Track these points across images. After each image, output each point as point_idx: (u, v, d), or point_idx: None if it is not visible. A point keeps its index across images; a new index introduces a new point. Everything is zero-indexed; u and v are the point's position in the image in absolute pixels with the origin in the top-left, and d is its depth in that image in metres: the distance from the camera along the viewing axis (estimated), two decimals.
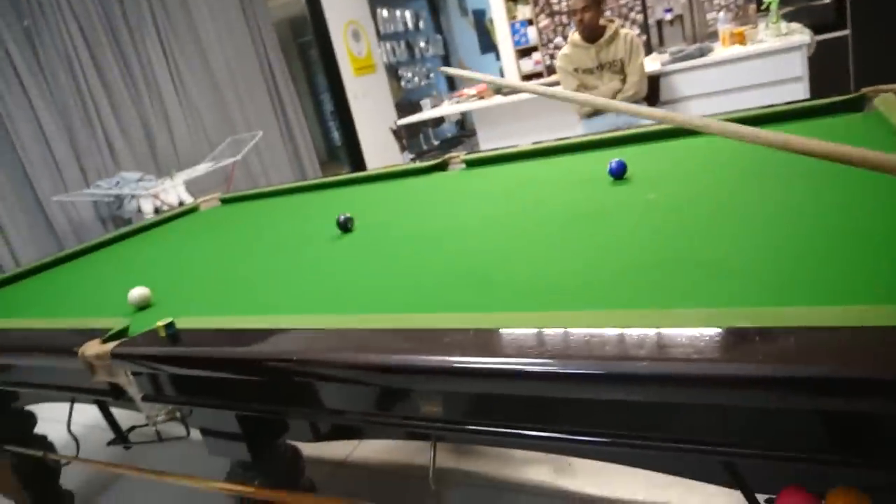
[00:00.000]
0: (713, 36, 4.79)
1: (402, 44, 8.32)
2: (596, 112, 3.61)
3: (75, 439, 1.88)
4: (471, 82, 8.21)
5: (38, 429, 2.02)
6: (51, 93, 4.39)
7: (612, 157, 1.65)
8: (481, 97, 4.91)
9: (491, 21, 7.40)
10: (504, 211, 1.61)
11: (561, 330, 0.80)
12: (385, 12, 7.88)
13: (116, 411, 1.94)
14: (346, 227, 1.74)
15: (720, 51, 4.03)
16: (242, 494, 1.28)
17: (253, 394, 1.12)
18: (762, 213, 1.16)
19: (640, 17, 5.79)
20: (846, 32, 4.76)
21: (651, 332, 0.74)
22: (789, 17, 4.29)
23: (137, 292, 1.46)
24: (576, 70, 3.64)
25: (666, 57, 4.14)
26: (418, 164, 2.40)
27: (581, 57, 3.59)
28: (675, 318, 0.77)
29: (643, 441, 0.80)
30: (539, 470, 1.85)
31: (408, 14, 8.52)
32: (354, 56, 6.70)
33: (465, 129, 7.77)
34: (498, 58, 7.27)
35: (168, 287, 1.60)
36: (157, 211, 4.14)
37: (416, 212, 1.88)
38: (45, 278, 2.17)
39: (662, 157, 1.78)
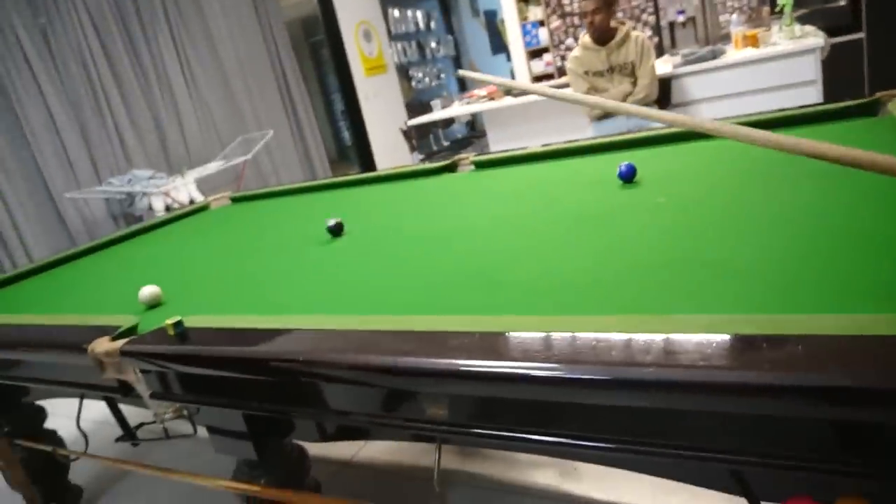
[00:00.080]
0: (726, 38, 4.76)
1: (414, 44, 8.33)
2: (606, 115, 3.59)
3: (84, 435, 1.89)
4: (482, 84, 8.20)
5: (48, 423, 2.04)
6: (65, 91, 4.43)
7: (622, 160, 1.64)
8: (492, 98, 4.91)
9: (502, 22, 7.40)
10: (512, 212, 1.61)
11: (565, 334, 0.80)
12: (396, 12, 7.89)
13: (125, 408, 1.96)
14: (336, 232, 1.74)
15: (732, 53, 4.00)
16: (248, 493, 1.28)
17: (259, 393, 1.13)
18: (770, 215, 1.15)
19: (652, 19, 5.77)
20: (861, 35, 4.71)
21: (658, 337, 0.73)
22: (804, 20, 4.26)
23: (149, 291, 1.46)
24: (586, 73, 3.62)
25: (678, 59, 4.11)
26: (427, 166, 2.40)
27: (591, 59, 3.58)
28: (682, 323, 0.76)
29: (649, 447, 0.79)
30: (545, 473, 1.84)
31: (419, 14, 8.52)
32: (365, 56, 6.71)
33: (475, 130, 7.77)
34: (509, 59, 7.26)
35: (177, 285, 1.61)
36: (167, 209, 4.17)
37: (425, 213, 1.88)
38: (56, 275, 2.19)
39: (672, 161, 1.77)
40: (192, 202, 4.07)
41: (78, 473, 2.18)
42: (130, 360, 1.17)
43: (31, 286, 2.10)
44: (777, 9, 4.03)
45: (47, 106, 4.32)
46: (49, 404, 1.99)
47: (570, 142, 2.18)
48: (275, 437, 1.27)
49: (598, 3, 3.43)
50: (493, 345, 0.83)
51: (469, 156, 2.34)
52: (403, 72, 7.90)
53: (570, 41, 6.22)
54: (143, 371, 1.21)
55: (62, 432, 2.07)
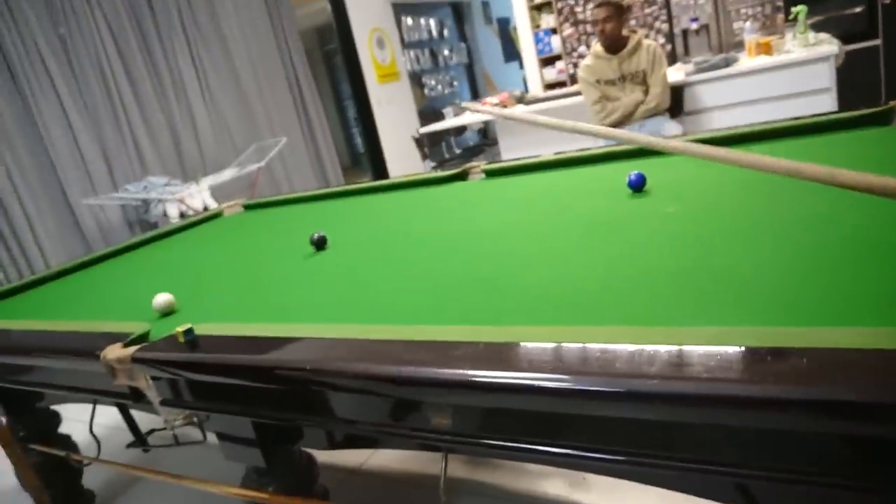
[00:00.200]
0: (739, 46, 4.74)
1: (427, 52, 8.36)
2: (619, 124, 3.59)
3: (97, 440, 1.91)
4: (493, 91, 8.22)
5: (62, 428, 2.06)
6: (82, 99, 4.50)
7: (632, 169, 1.64)
8: (504, 106, 4.92)
9: (515, 29, 7.42)
10: (522, 220, 1.62)
11: (574, 345, 0.80)
12: (410, 20, 7.94)
13: (137, 413, 1.97)
14: (320, 245, 1.76)
15: (746, 61, 3.98)
16: (257, 500, 1.29)
17: (268, 401, 1.14)
18: (776, 226, 1.15)
19: (665, 27, 5.75)
20: (877, 42, 4.67)
21: (664, 349, 0.73)
22: (818, 27, 4.23)
23: (163, 298, 1.47)
24: (598, 81, 3.62)
25: (690, 67, 4.10)
26: (438, 174, 2.41)
27: (603, 68, 3.58)
28: (688, 335, 0.76)
29: (654, 459, 0.79)
30: (553, 483, 1.83)
31: (432, 22, 8.56)
32: (378, 63, 6.76)
33: (487, 138, 7.78)
34: (521, 66, 7.28)
35: (189, 292, 1.63)
36: (182, 215, 4.21)
37: (435, 221, 1.89)
38: (72, 280, 2.22)
39: (682, 170, 1.76)
40: (206, 209, 4.11)
41: (91, 478, 2.20)
42: (141, 367, 1.19)
43: (47, 292, 2.13)
44: (791, 16, 4.00)
45: (66, 114, 4.39)
46: (63, 409, 2.02)
47: (582, 150, 2.18)
48: (283, 445, 1.28)
49: (609, 11, 3.44)
50: (499, 355, 0.83)
51: (479, 164, 2.35)
52: (416, 79, 7.94)
53: (582, 49, 6.22)
54: (153, 378, 1.23)
55: (76, 437, 2.09)
